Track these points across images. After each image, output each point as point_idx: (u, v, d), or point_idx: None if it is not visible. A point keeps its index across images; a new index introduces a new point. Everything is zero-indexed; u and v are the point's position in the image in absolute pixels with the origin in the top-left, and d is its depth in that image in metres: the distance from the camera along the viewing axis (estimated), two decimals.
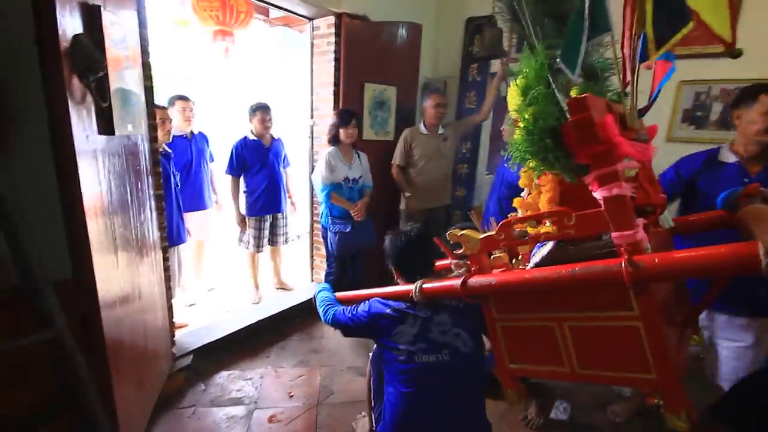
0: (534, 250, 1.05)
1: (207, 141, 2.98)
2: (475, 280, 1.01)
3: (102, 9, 1.23)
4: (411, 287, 1.21)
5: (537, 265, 1.00)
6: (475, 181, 3.47)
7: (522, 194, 1.10)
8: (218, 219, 3.23)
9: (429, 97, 2.81)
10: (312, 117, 2.96)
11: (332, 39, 2.68)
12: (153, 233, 1.86)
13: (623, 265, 0.76)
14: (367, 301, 1.34)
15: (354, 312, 1.34)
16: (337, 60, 2.70)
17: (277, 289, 3.27)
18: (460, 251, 1.06)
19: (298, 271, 3.47)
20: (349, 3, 2.64)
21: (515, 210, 1.11)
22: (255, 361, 2.39)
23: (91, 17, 1.20)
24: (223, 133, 3.74)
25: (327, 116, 2.83)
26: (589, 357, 0.92)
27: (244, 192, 2.92)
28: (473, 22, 3.29)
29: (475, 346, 1.23)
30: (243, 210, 2.92)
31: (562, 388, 2.16)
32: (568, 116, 0.84)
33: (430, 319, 1.22)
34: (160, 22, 3.51)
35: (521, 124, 0.89)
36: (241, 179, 2.89)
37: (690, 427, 0.81)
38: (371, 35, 2.76)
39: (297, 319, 2.83)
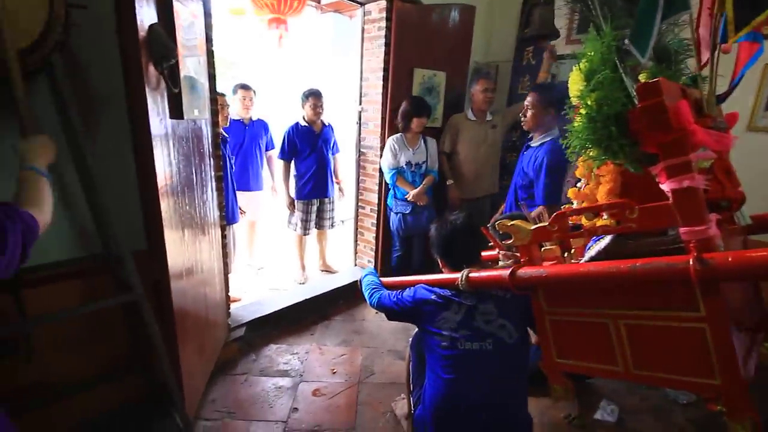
0: (589, 244, 1.01)
1: (266, 128, 3.12)
2: (525, 272, 1.00)
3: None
4: (457, 275, 1.21)
5: (593, 259, 0.96)
6: None
7: (578, 185, 1.05)
8: (270, 202, 3.39)
9: (476, 81, 2.75)
10: (360, 103, 2.98)
11: (383, 24, 2.66)
12: (213, 212, 2.00)
13: (691, 262, 0.72)
14: (412, 287, 1.37)
15: (399, 296, 1.37)
16: (387, 45, 2.69)
17: (322, 271, 3.40)
18: (509, 242, 1.04)
19: (342, 255, 3.57)
20: None
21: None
22: (301, 338, 2.52)
23: (165, 7, 1.29)
24: (278, 119, 3.87)
25: (375, 102, 2.85)
26: (646, 357, 0.88)
27: (294, 176, 3.03)
28: (530, 2, 3.12)
29: (520, 338, 1.21)
30: (292, 193, 3.04)
31: (610, 388, 2.07)
32: (636, 102, 0.79)
33: (475, 308, 1.22)
34: (217, 11, 3.68)
35: (583, 111, 0.84)
36: (292, 163, 3.00)
37: None
38: (422, 19, 2.71)
39: (340, 301, 2.92)
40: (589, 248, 0.99)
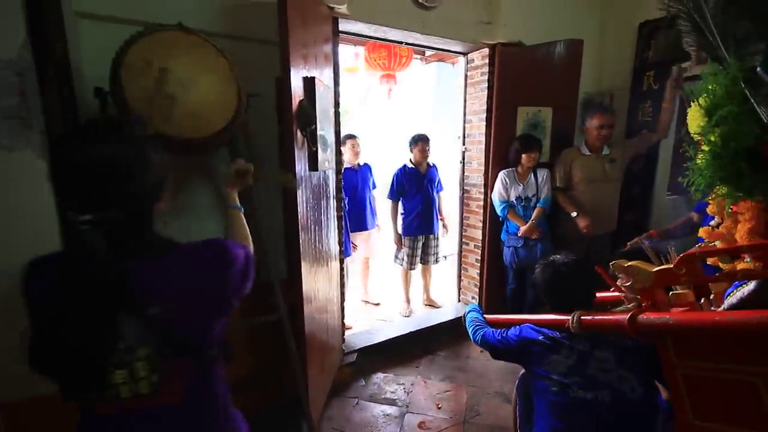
0: (729, 290, 0.91)
1: (371, 171, 3.44)
2: (647, 317, 0.94)
3: (315, 78, 1.67)
4: (567, 317, 1.17)
5: (734, 307, 0.87)
6: (651, 203, 3.00)
7: (711, 223, 0.97)
8: (379, 239, 3.63)
9: (593, 116, 2.63)
10: (464, 143, 3.11)
11: (486, 69, 2.79)
12: (334, 247, 2.29)
13: None
14: (518, 326, 1.34)
15: (504, 335, 1.35)
16: (490, 88, 2.79)
17: (426, 305, 3.48)
18: (627, 284, 1.00)
19: (445, 291, 3.62)
20: (505, 33, 2.72)
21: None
22: (406, 369, 2.60)
23: (310, 85, 1.63)
24: (384, 163, 4.21)
25: (478, 142, 2.95)
26: None
27: (401, 214, 3.25)
28: (649, 25, 2.93)
29: (645, 394, 1.09)
30: (400, 230, 3.25)
31: None
32: None
33: (589, 354, 1.15)
34: None
35: (705, 147, 0.82)
36: (399, 202, 3.23)
37: None
38: (526, 59, 2.76)
39: (444, 337, 2.95)
40: (728, 294, 0.90)
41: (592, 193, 2.64)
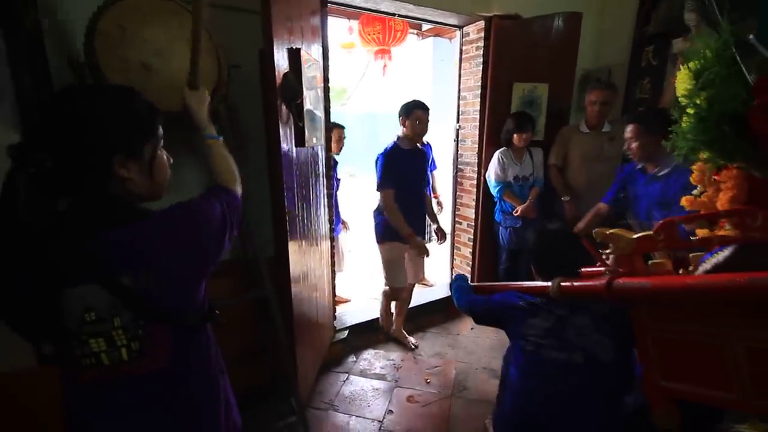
0: (706, 256, 0.91)
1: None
2: (624, 283, 0.94)
3: (301, 50, 1.62)
4: (548, 284, 1.18)
5: (707, 273, 0.86)
6: None
7: (694, 192, 0.96)
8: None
9: (589, 92, 2.58)
10: (458, 121, 3.06)
11: (481, 43, 2.72)
12: (324, 225, 2.28)
13: None
14: (502, 293, 1.38)
15: (488, 300, 1.39)
16: (485, 63, 2.73)
17: (418, 283, 3.50)
18: (608, 251, 1.00)
19: (438, 269, 3.63)
20: (501, 4, 2.64)
21: None
22: (397, 345, 2.64)
23: (295, 57, 1.58)
24: (382, 140, 4.15)
25: (473, 120, 2.90)
26: None
27: None
28: None
29: (617, 359, 1.11)
30: None
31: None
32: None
33: (566, 318, 1.17)
34: (330, 45, 4.19)
35: (690, 110, 0.79)
36: None
37: None
38: (523, 33, 2.68)
39: (435, 314, 2.98)
40: (704, 261, 0.89)
41: (586, 171, 2.61)
